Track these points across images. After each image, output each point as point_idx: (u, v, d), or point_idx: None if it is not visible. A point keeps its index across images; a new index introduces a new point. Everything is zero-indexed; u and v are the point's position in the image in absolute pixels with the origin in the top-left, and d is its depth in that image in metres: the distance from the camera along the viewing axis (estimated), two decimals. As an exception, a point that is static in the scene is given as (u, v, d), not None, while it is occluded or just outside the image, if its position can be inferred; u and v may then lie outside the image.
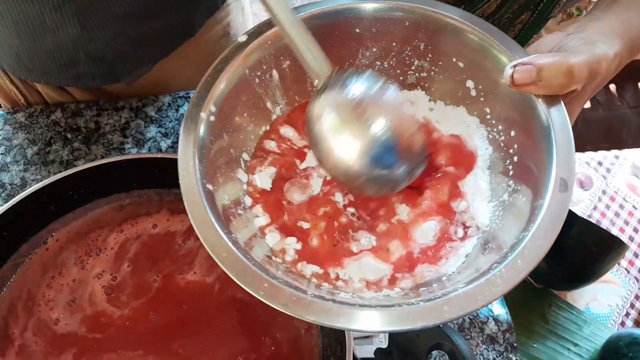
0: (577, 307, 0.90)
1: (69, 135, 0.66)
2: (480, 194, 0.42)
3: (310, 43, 0.38)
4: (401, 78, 0.48)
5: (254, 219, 0.41)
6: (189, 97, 0.70)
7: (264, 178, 0.43)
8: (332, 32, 0.45)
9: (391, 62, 0.47)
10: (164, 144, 0.66)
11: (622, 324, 0.89)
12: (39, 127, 0.66)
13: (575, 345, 0.88)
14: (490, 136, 0.44)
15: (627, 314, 0.89)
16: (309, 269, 0.40)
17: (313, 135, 0.39)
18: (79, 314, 0.47)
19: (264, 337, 0.47)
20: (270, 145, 0.45)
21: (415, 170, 0.39)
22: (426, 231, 0.40)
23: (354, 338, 0.53)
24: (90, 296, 0.48)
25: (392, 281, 0.39)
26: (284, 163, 0.44)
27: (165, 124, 0.68)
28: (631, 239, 0.93)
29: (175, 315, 0.48)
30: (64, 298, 0.47)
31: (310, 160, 0.45)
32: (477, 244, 0.40)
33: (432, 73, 0.47)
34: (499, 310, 0.60)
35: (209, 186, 0.38)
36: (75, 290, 0.48)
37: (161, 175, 0.51)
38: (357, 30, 0.46)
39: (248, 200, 0.42)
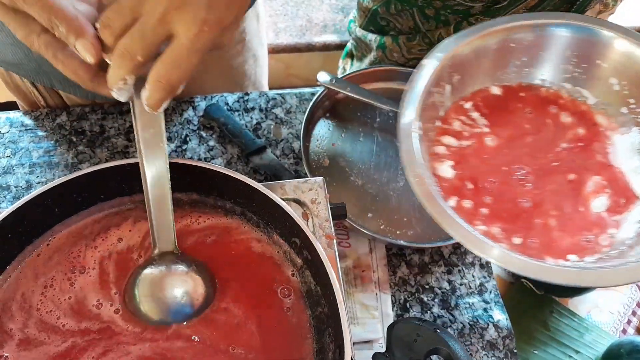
0: (579, 314, 0.90)
1: (74, 139, 0.67)
2: (634, 170, 0.51)
3: (168, 217, 0.46)
4: (549, 80, 0.58)
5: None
6: (193, 101, 0.70)
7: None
8: (489, 48, 0.56)
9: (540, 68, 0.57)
10: (167, 148, 0.67)
11: (624, 331, 0.89)
12: (44, 130, 0.67)
13: (577, 352, 0.88)
14: (637, 121, 0.53)
15: (629, 322, 0.89)
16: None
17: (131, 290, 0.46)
18: (82, 318, 0.47)
19: (258, 339, 0.47)
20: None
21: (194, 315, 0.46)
22: (599, 205, 0.50)
23: (354, 343, 0.53)
24: (97, 303, 0.48)
25: (581, 250, 0.48)
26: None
27: (169, 128, 0.68)
28: (633, 246, 0.93)
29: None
30: (64, 303, 0.48)
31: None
32: None
33: (575, 74, 0.57)
34: (499, 316, 0.60)
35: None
36: (75, 293, 0.48)
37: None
38: (512, 44, 0.56)
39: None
